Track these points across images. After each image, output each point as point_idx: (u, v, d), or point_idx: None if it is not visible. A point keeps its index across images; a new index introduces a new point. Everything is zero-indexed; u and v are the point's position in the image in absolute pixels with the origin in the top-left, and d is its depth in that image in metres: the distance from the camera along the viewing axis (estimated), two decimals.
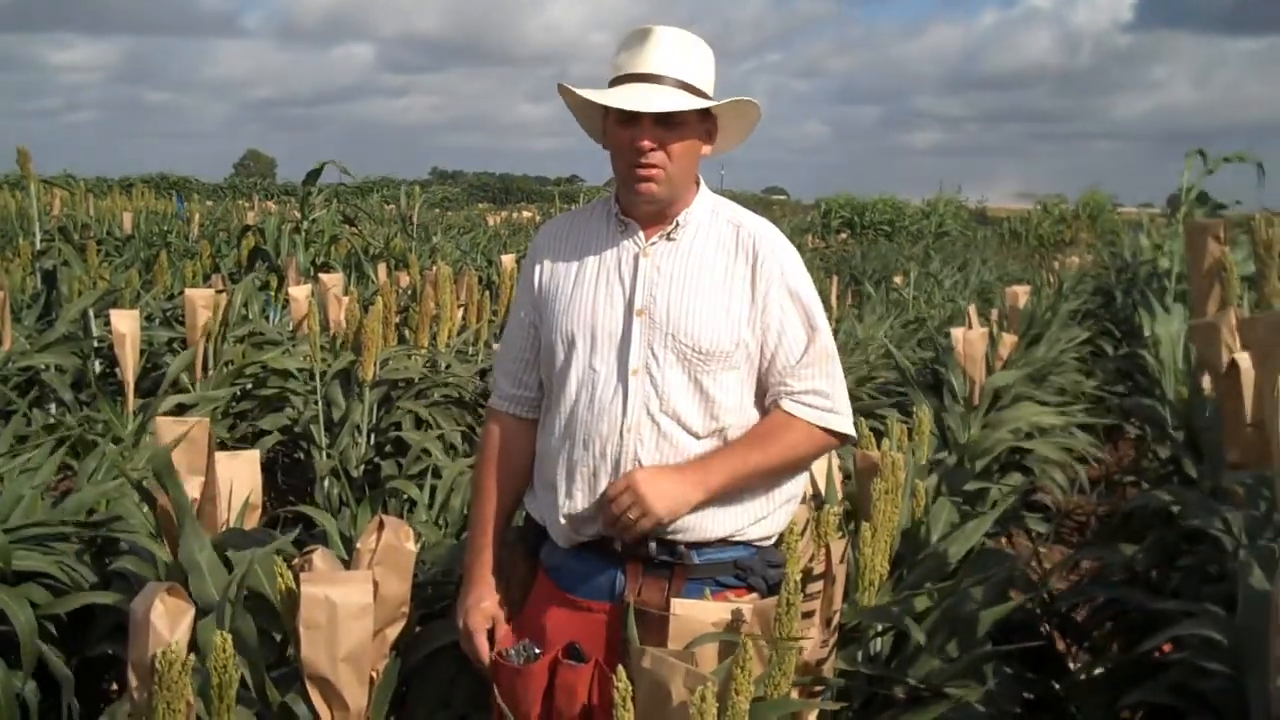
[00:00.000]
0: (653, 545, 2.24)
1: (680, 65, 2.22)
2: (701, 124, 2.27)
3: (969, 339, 5.68)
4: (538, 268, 2.40)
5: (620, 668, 1.77)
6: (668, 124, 2.20)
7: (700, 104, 2.22)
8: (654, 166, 2.22)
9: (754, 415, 2.30)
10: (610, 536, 2.25)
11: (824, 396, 2.28)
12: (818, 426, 2.28)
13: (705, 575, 2.25)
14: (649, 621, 2.13)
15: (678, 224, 2.30)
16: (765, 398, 2.30)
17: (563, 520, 2.28)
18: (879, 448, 3.10)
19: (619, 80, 2.23)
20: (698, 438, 2.24)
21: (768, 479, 2.28)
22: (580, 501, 2.26)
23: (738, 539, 2.28)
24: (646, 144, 2.20)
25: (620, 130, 2.23)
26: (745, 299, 2.25)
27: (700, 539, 2.25)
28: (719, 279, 2.26)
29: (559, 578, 2.32)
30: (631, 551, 2.25)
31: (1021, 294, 8.41)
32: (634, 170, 2.23)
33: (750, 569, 2.27)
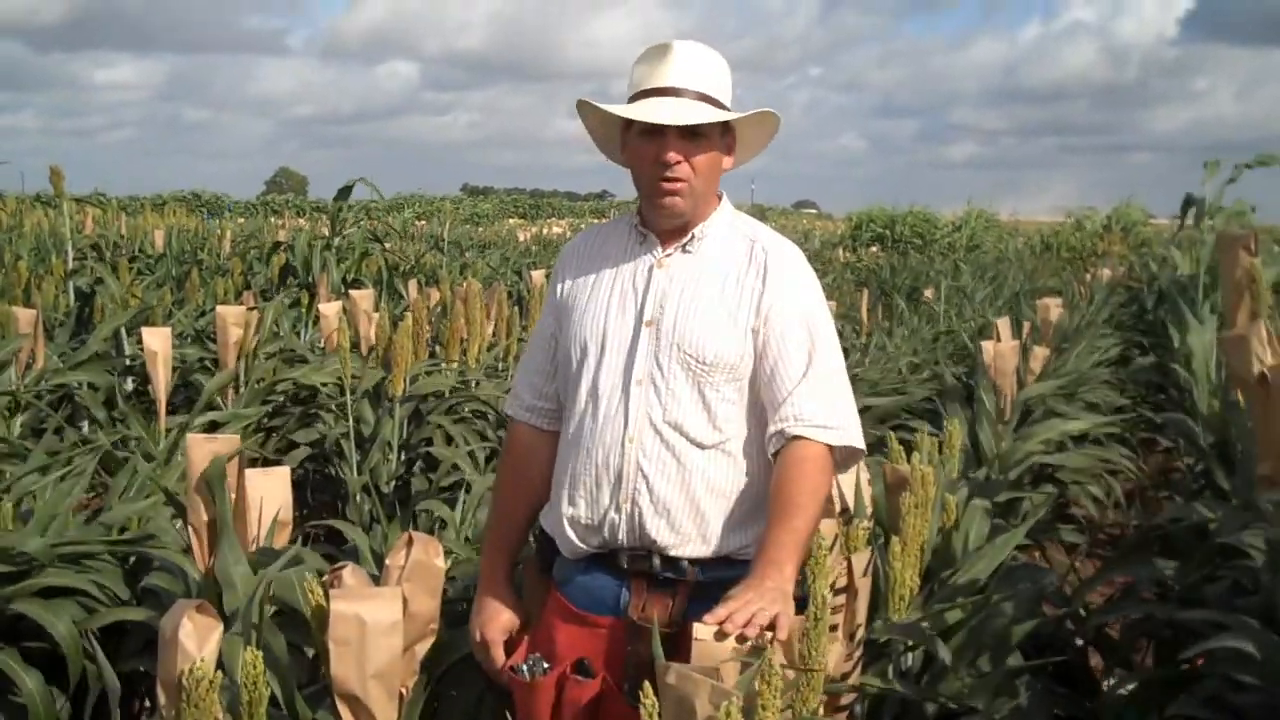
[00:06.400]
0: (657, 561, 2.24)
1: (699, 78, 2.23)
2: (722, 137, 2.28)
3: (1000, 352, 5.65)
4: (560, 280, 2.43)
5: (647, 684, 1.77)
6: (691, 137, 2.21)
7: (725, 116, 2.22)
8: (679, 180, 2.22)
9: (757, 426, 2.27)
10: (615, 548, 2.26)
11: (831, 416, 2.22)
12: (831, 446, 2.23)
13: (709, 593, 2.21)
14: (650, 638, 2.10)
15: (694, 236, 2.31)
16: (768, 419, 2.24)
17: (567, 528, 2.29)
18: (909, 461, 3.07)
19: (639, 95, 2.24)
20: (701, 448, 2.24)
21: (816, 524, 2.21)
22: (583, 510, 2.27)
23: (740, 557, 2.25)
24: (672, 156, 2.20)
25: (644, 144, 2.23)
26: (751, 310, 2.25)
27: (703, 555, 2.25)
28: (728, 290, 2.27)
29: (567, 593, 2.34)
30: (636, 568, 2.26)
31: (1053, 306, 8.36)
32: (659, 184, 2.24)
33: None
